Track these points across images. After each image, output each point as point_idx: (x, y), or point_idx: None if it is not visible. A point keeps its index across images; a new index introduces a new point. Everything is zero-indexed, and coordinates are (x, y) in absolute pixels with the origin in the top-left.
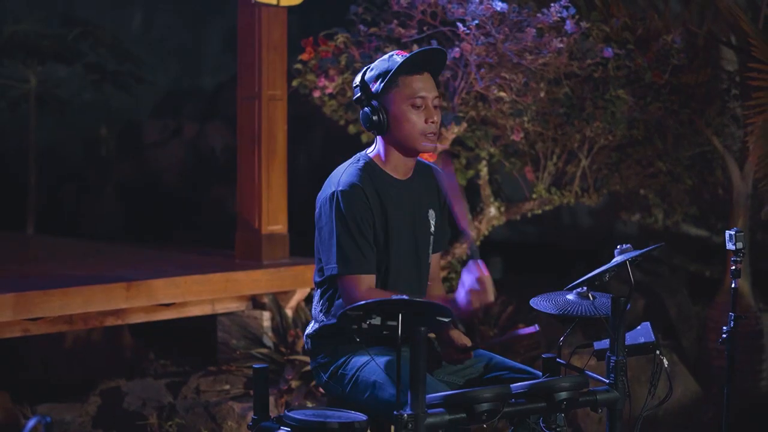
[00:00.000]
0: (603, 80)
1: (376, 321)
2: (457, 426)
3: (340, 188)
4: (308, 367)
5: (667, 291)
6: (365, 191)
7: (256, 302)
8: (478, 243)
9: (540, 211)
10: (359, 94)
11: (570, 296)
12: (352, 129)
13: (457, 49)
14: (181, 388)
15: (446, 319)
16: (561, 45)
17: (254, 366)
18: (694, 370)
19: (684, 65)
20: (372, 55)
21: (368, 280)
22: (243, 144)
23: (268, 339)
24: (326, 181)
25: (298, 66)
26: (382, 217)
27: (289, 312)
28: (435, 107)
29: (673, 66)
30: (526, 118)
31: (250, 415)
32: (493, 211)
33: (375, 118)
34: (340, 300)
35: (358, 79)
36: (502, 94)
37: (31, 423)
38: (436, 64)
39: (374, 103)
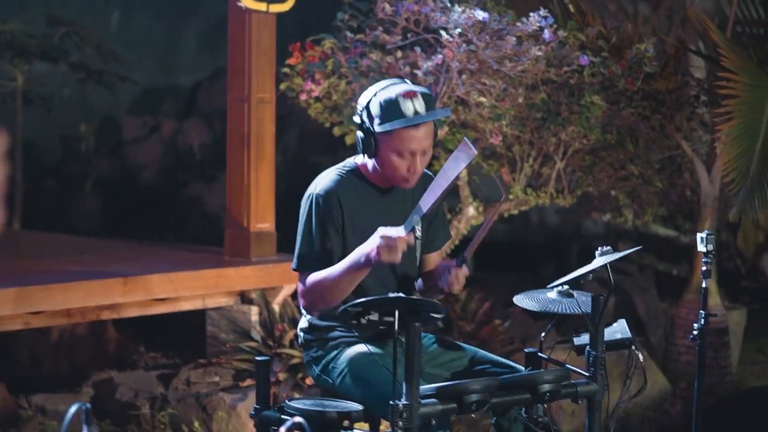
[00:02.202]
0: (578, 86)
1: (374, 317)
2: (447, 415)
3: (317, 191)
4: (295, 360)
5: (636, 289)
6: (340, 199)
7: (244, 297)
8: (456, 242)
9: (516, 212)
10: (360, 119)
11: (551, 294)
12: (336, 131)
13: (439, 55)
14: (172, 380)
15: (439, 316)
16: (539, 53)
17: (256, 359)
18: (662, 365)
19: (656, 73)
20: (357, 60)
21: (308, 276)
22: (232, 145)
23: (256, 333)
24: (312, 183)
25: (286, 70)
26: (357, 223)
27: (276, 307)
28: (423, 154)
29: (645, 73)
30: (504, 122)
31: (240, 405)
32: (471, 211)
33: (366, 144)
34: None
35: (363, 102)
36: (482, 99)
37: (72, 410)
38: (439, 119)
39: (369, 133)
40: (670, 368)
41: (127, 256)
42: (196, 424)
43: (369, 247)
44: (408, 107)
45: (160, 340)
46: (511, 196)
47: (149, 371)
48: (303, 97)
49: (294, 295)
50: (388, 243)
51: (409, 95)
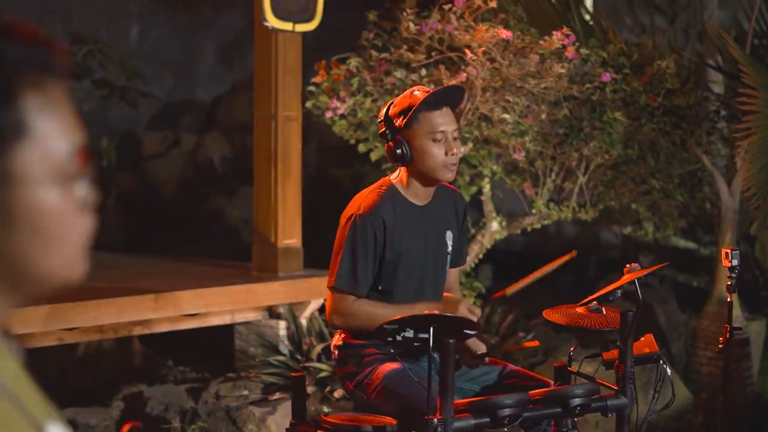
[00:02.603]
0: (600, 103)
1: (409, 334)
2: (480, 430)
3: (360, 212)
4: (323, 374)
5: (656, 300)
6: (383, 217)
7: (272, 312)
8: (480, 255)
9: (539, 226)
10: (384, 129)
11: (580, 309)
12: (362, 147)
13: (463, 73)
14: (202, 394)
15: (473, 332)
16: (562, 70)
17: (292, 374)
18: (683, 376)
19: (676, 89)
20: (383, 78)
21: (352, 300)
22: (259, 162)
23: (284, 347)
24: (350, 202)
25: (311, 88)
26: (398, 240)
27: (303, 321)
28: (454, 139)
29: (666, 89)
30: (527, 138)
31: (270, 418)
32: (495, 225)
33: (399, 151)
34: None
35: (382, 114)
36: (506, 115)
37: (124, 429)
38: (455, 99)
39: (398, 137)
40: (691, 379)
41: (154, 271)
42: None
43: (450, 306)
44: (421, 95)
45: (188, 354)
46: (533, 211)
47: (179, 385)
48: (329, 114)
49: (321, 310)
50: (472, 309)
51: (420, 88)
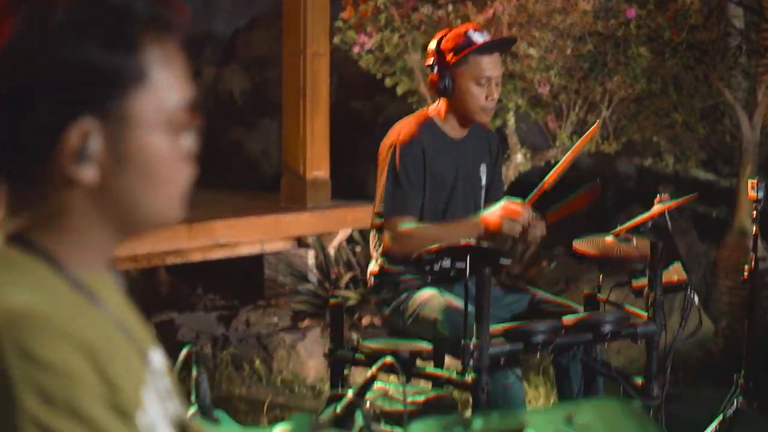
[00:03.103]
0: (624, 38)
1: (447, 263)
2: (515, 355)
3: (400, 140)
4: (351, 302)
5: (676, 231)
6: (423, 145)
7: (300, 242)
8: (504, 188)
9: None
10: (432, 60)
11: (609, 239)
12: (389, 82)
13: (490, 9)
14: (232, 321)
15: (508, 261)
16: (587, 6)
17: (330, 303)
18: (704, 305)
19: (699, 24)
20: (410, 14)
21: (408, 220)
22: (288, 97)
23: (313, 276)
24: (389, 132)
25: (339, 24)
26: (434, 170)
27: (331, 251)
28: (496, 85)
29: (689, 25)
30: (552, 73)
31: (300, 345)
32: (519, 157)
33: (442, 85)
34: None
35: (433, 45)
36: (531, 51)
37: (183, 353)
38: (505, 47)
39: (445, 71)
40: (711, 308)
41: (188, 201)
42: (258, 363)
43: (491, 215)
44: (477, 37)
45: (218, 283)
46: (557, 143)
47: (209, 313)
48: (356, 49)
49: (349, 240)
50: (512, 214)
51: (477, 28)
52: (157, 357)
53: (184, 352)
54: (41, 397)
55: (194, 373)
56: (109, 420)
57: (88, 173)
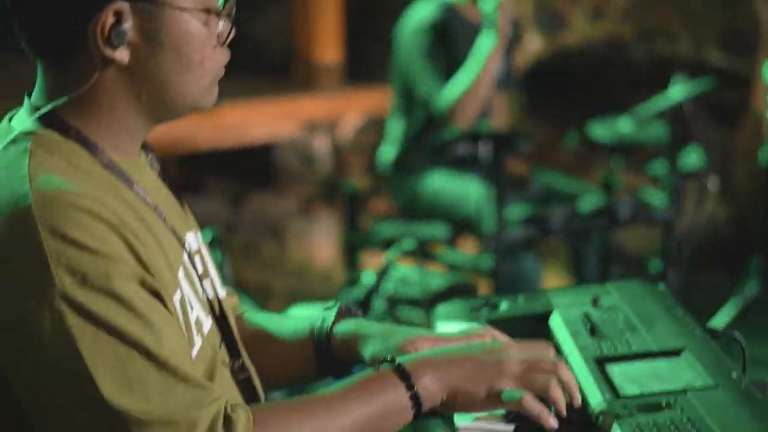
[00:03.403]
0: None
1: (465, 149)
2: (532, 240)
3: (420, 25)
4: (362, 188)
5: (692, 117)
6: (448, 26)
7: (312, 127)
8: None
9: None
10: None
11: (624, 123)
12: None
13: None
14: (243, 208)
15: (527, 146)
16: None
17: (344, 189)
18: (719, 191)
19: None
20: None
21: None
22: None
23: (324, 162)
24: (408, 17)
25: None
26: (454, 52)
27: (343, 137)
28: None
29: None
30: None
31: (310, 229)
32: (532, 41)
33: None
34: (420, 126)
35: None
36: None
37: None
38: None
39: None
40: (726, 194)
41: None
42: (269, 249)
43: None
44: None
45: (228, 169)
46: (571, 28)
47: (219, 198)
48: None
49: (362, 125)
50: None
51: None
52: (194, 239)
53: (209, 236)
54: (75, 275)
55: (218, 257)
56: (142, 298)
57: (123, 54)
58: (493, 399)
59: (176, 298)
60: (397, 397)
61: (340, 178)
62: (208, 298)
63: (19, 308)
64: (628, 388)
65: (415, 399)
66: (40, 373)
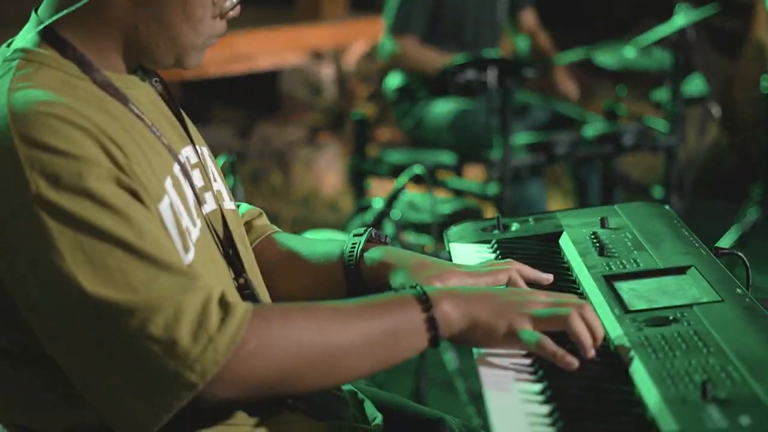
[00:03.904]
0: None
1: (471, 75)
2: (538, 166)
3: None
4: (368, 117)
5: (694, 44)
6: None
7: (317, 56)
8: None
9: None
10: None
11: (628, 51)
12: None
13: None
14: (250, 135)
15: (532, 73)
16: None
17: (354, 117)
18: (721, 119)
19: None
20: None
21: (407, 40)
22: None
23: (330, 90)
24: None
25: None
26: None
27: (348, 65)
28: None
29: None
30: None
31: (317, 158)
32: None
33: None
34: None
35: None
36: None
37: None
38: None
39: None
40: (728, 122)
41: None
42: (276, 177)
43: None
44: None
45: (233, 98)
46: None
47: (226, 127)
48: None
49: (367, 53)
50: None
51: None
52: (193, 153)
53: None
54: (49, 178)
55: (231, 182)
56: (118, 195)
57: None
58: (513, 337)
59: (163, 204)
60: (412, 318)
61: (346, 106)
62: (206, 211)
63: None
64: (636, 304)
65: (431, 323)
66: (24, 276)
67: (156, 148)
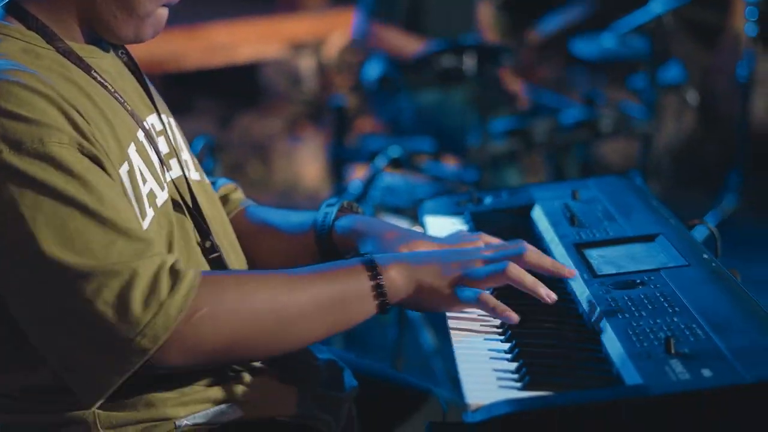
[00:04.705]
0: None
1: (451, 62)
2: (515, 153)
3: None
4: (347, 104)
5: (671, 33)
6: None
7: (297, 47)
8: None
9: None
10: None
11: (607, 40)
12: None
13: None
14: (230, 126)
15: (511, 59)
16: None
17: (333, 105)
18: (698, 108)
19: None
20: None
21: (381, 26)
22: None
23: (310, 81)
24: None
25: None
26: None
27: (329, 56)
28: None
29: None
30: None
31: (296, 149)
32: None
33: None
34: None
35: None
36: None
37: (201, 145)
38: None
39: None
40: (705, 114)
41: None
42: (256, 168)
43: None
44: None
45: (213, 89)
46: None
47: (205, 117)
48: None
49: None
50: None
51: None
52: (157, 121)
53: (201, 145)
54: (11, 144)
55: (209, 164)
56: (79, 161)
57: None
58: (455, 298)
59: (123, 169)
60: (360, 284)
61: (326, 98)
62: (171, 177)
63: None
64: (605, 269)
65: (379, 289)
66: None
67: (119, 114)
